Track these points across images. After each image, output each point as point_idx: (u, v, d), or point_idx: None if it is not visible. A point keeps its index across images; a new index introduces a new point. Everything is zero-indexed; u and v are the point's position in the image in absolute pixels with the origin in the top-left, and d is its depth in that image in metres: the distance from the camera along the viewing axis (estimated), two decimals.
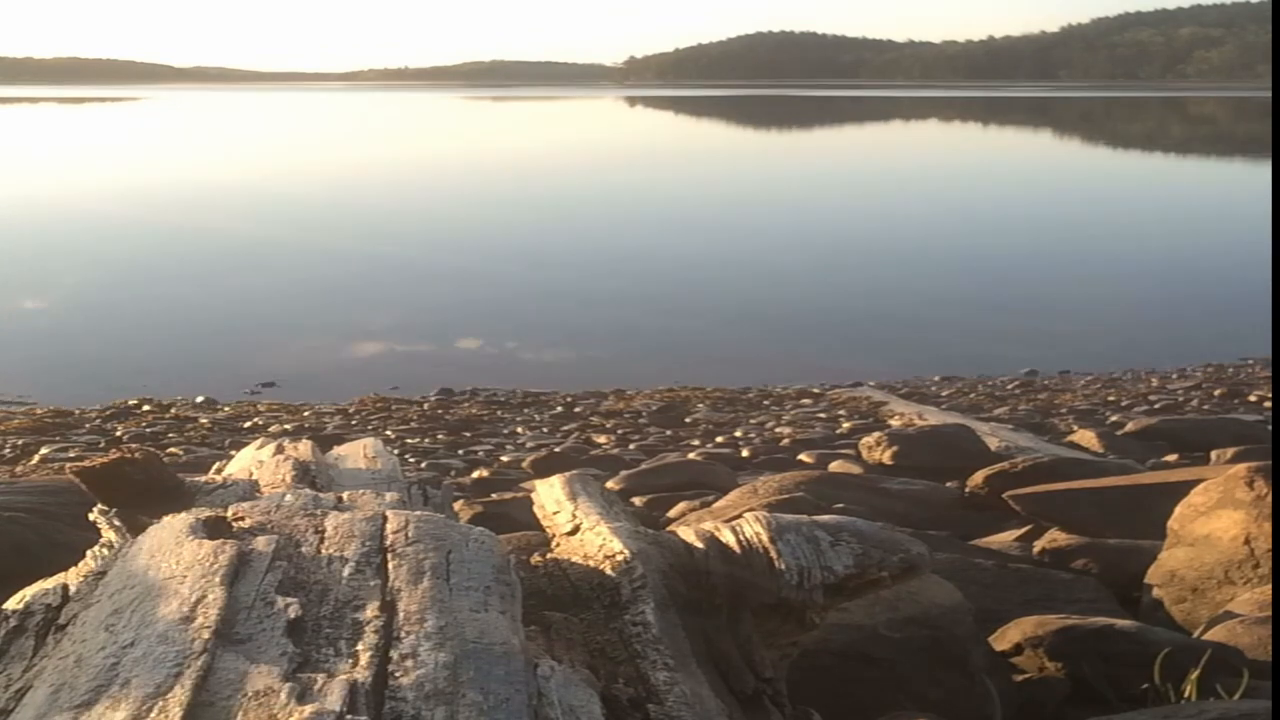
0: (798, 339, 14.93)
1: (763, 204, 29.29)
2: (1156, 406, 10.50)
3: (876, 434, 7.23)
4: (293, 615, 1.54)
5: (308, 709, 1.30)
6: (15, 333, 14.69)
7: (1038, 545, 4.17)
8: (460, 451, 8.64)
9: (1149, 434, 8.10)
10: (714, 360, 13.42)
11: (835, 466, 6.82)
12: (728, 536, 2.11)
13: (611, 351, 14.18)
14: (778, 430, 9.32)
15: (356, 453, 3.37)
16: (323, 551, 1.80)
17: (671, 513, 5.16)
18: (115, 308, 16.21)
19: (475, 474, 7.41)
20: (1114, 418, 9.66)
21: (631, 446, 8.78)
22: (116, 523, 2.38)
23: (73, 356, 13.30)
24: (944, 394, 11.52)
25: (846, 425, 9.36)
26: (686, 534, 2.18)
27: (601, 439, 9.17)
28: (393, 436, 9.09)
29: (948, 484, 5.66)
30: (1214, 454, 6.82)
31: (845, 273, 19.29)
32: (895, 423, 8.97)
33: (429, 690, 1.37)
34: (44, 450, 8.35)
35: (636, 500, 5.61)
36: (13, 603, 2.00)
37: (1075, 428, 8.90)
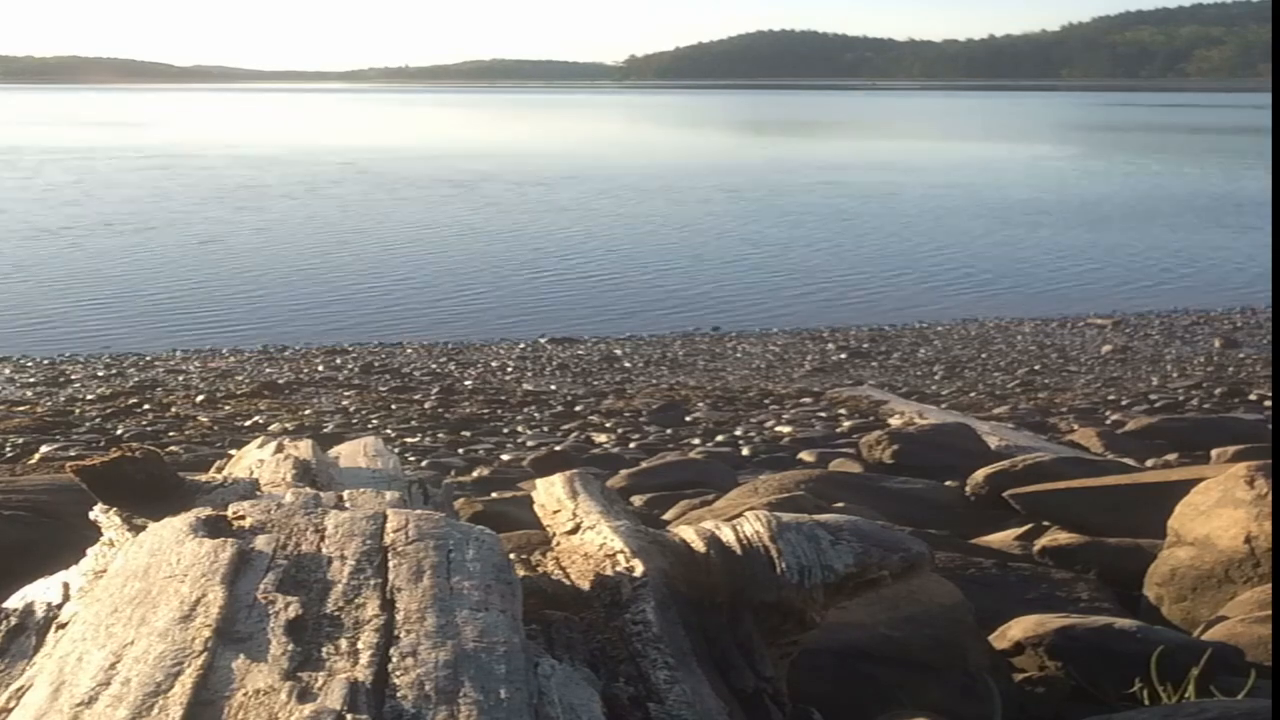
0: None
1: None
2: (1157, 406, 10.50)
3: (877, 433, 7.23)
4: (293, 614, 1.54)
5: (308, 708, 1.30)
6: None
7: (1038, 544, 4.17)
8: (460, 450, 8.64)
9: (1149, 433, 8.11)
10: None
11: (836, 465, 6.83)
12: (728, 535, 2.11)
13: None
14: (778, 429, 9.32)
15: (357, 451, 3.38)
16: (323, 550, 1.80)
17: (672, 511, 5.15)
18: None
19: (475, 472, 7.41)
20: (1114, 417, 9.67)
21: (632, 445, 8.78)
22: (117, 521, 2.38)
23: None
24: (944, 393, 11.52)
25: (847, 424, 9.36)
26: (687, 533, 2.18)
27: (602, 438, 9.17)
28: (393, 435, 9.10)
29: (948, 483, 5.66)
30: (1214, 453, 6.82)
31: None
32: (895, 421, 8.97)
33: (429, 689, 1.37)
34: (44, 449, 8.35)
35: (637, 499, 5.61)
36: (14, 601, 2.01)
37: (1075, 427, 8.91)
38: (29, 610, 1.94)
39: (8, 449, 8.45)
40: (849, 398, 10.85)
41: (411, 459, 7.90)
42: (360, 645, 1.48)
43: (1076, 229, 24.49)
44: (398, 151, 47.81)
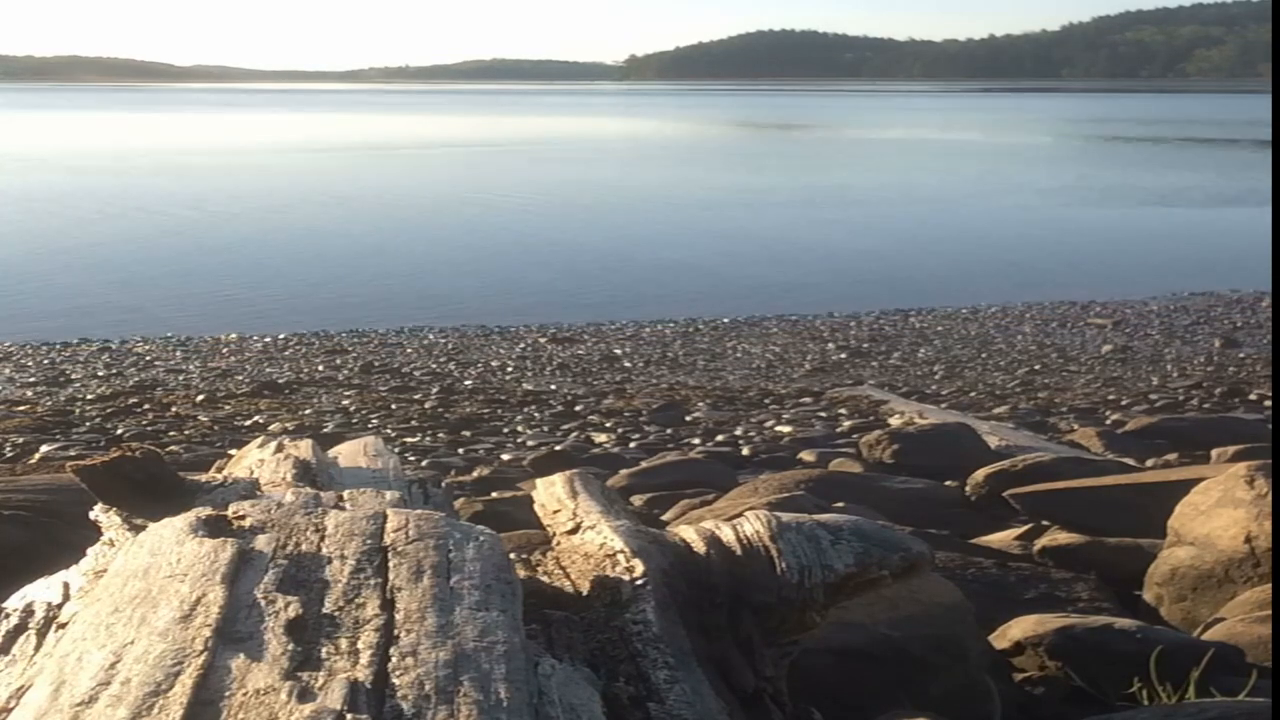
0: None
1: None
2: (1157, 405, 10.49)
3: (877, 432, 7.22)
4: (293, 614, 1.54)
5: (308, 707, 1.30)
6: None
7: (1038, 544, 4.17)
8: (460, 450, 8.64)
9: (1149, 433, 8.10)
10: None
11: (836, 465, 6.82)
12: (728, 535, 2.11)
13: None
14: (778, 429, 9.32)
15: (357, 451, 3.38)
16: (323, 550, 1.80)
17: (672, 511, 5.16)
18: None
19: (475, 472, 7.40)
20: (1114, 416, 9.67)
21: (632, 445, 8.78)
22: (117, 521, 2.38)
23: None
24: (944, 393, 11.52)
25: (847, 424, 9.35)
26: (687, 533, 2.18)
27: (602, 437, 9.17)
28: (393, 435, 9.09)
29: (948, 483, 5.65)
30: (1214, 453, 6.82)
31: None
32: (895, 421, 8.96)
33: (429, 689, 1.37)
34: (44, 448, 8.35)
35: (637, 499, 5.61)
36: (14, 601, 2.00)
37: (1075, 426, 8.91)
38: (29, 610, 1.93)
39: (8, 449, 8.45)
40: (849, 397, 10.84)
41: (411, 459, 7.90)
42: (360, 645, 1.48)
43: (1077, 224, 25.01)
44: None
